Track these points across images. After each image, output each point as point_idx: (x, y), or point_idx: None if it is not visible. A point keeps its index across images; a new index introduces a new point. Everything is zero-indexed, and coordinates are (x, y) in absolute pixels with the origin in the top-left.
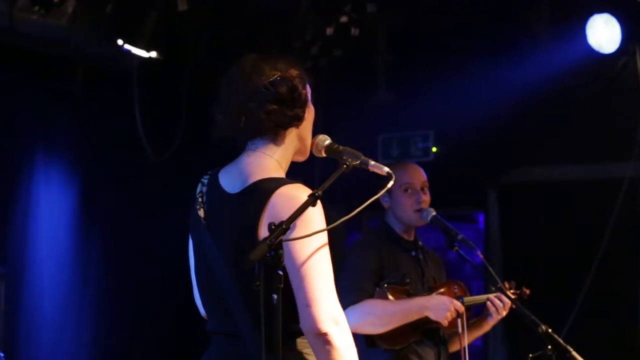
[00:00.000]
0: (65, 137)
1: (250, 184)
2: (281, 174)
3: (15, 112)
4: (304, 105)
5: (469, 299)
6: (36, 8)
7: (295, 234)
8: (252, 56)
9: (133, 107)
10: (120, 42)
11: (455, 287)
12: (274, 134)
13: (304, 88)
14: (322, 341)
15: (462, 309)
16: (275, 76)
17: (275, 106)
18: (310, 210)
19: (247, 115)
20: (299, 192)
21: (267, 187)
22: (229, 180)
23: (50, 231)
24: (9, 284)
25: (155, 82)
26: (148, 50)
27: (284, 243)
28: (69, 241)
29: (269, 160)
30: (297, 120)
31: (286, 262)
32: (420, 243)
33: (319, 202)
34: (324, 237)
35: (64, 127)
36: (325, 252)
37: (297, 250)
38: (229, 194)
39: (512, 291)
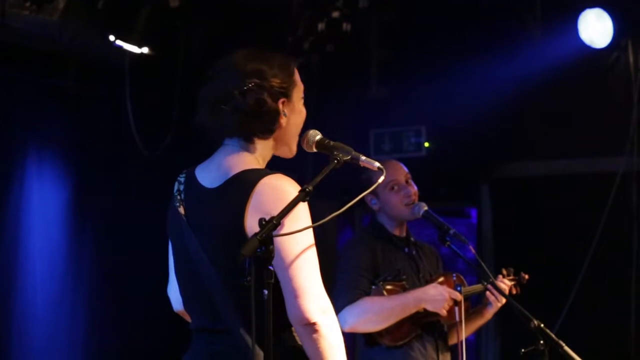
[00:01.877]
0: (57, 133)
1: (231, 176)
2: (258, 166)
3: (8, 108)
4: (274, 119)
5: (466, 289)
6: (28, 4)
7: (283, 228)
8: (242, 54)
9: (125, 103)
10: (112, 38)
11: (454, 275)
12: (245, 139)
13: (279, 98)
14: (310, 331)
15: (459, 297)
16: (250, 84)
17: (244, 117)
18: (290, 197)
19: (219, 116)
20: (282, 183)
21: (250, 177)
22: (207, 176)
23: (43, 227)
24: (1, 281)
25: (147, 77)
26: (140, 46)
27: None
28: (61, 237)
29: (246, 156)
30: (267, 132)
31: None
32: (412, 239)
33: (297, 188)
34: (310, 232)
35: (56, 123)
36: (312, 246)
37: (284, 243)
38: (209, 189)
39: (510, 277)
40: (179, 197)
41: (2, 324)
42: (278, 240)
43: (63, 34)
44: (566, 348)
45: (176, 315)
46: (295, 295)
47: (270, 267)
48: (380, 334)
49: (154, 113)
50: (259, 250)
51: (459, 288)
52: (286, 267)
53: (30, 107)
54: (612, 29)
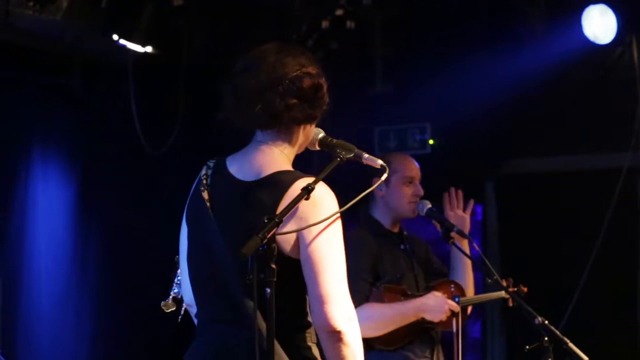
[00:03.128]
0: (62, 132)
1: (267, 175)
2: (291, 168)
3: (12, 108)
4: (322, 106)
5: (464, 299)
6: (31, 4)
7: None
8: (275, 46)
9: (129, 102)
10: (115, 37)
11: (452, 285)
12: (287, 128)
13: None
14: (336, 339)
15: (457, 308)
16: (300, 71)
17: (296, 101)
18: (325, 202)
19: (265, 104)
20: (316, 186)
21: (285, 179)
22: (239, 169)
23: (48, 226)
24: (7, 280)
25: (151, 76)
26: (144, 45)
27: (299, 235)
28: (66, 236)
29: (279, 154)
30: (313, 119)
31: (301, 256)
32: (405, 233)
33: (329, 191)
34: (337, 230)
35: (60, 122)
36: (340, 245)
37: (311, 243)
38: (242, 181)
39: (510, 289)
40: (204, 182)
41: (8, 323)
42: (305, 240)
43: (66, 34)
44: (571, 345)
45: (184, 312)
46: (321, 302)
47: (273, 266)
48: (375, 338)
49: (158, 112)
50: (260, 248)
51: (457, 299)
52: (314, 269)
53: (34, 107)
54: (616, 25)
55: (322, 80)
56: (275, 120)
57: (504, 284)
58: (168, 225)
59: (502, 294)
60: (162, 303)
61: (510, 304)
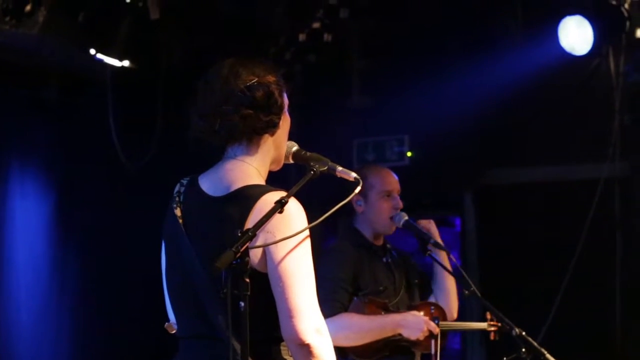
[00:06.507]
0: (39, 146)
1: (235, 189)
2: (262, 181)
3: None
4: (279, 112)
5: (444, 324)
6: (7, 18)
7: (275, 240)
8: (230, 60)
9: (107, 116)
10: (92, 51)
11: (432, 307)
12: (249, 140)
13: (281, 95)
14: (305, 352)
15: (436, 330)
16: (253, 81)
17: (250, 111)
18: (294, 215)
19: (222, 118)
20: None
21: (252, 193)
22: (210, 185)
23: (27, 241)
24: None
25: (129, 90)
26: (121, 59)
27: (266, 249)
28: (45, 250)
29: (249, 168)
30: (272, 126)
31: (268, 269)
32: (388, 246)
33: (299, 205)
34: (305, 244)
35: (38, 136)
36: (307, 259)
37: (277, 257)
38: (211, 197)
39: (493, 322)
40: (177, 199)
41: None
42: (272, 255)
43: (43, 48)
44: (548, 356)
45: (162, 326)
46: (289, 315)
47: (247, 280)
48: (351, 348)
49: (136, 126)
50: (234, 262)
51: (437, 321)
52: (280, 283)
53: (11, 121)
54: (592, 36)
55: (274, 87)
56: (234, 133)
57: (488, 316)
58: (147, 240)
59: (484, 325)
60: (166, 324)
61: (492, 338)
